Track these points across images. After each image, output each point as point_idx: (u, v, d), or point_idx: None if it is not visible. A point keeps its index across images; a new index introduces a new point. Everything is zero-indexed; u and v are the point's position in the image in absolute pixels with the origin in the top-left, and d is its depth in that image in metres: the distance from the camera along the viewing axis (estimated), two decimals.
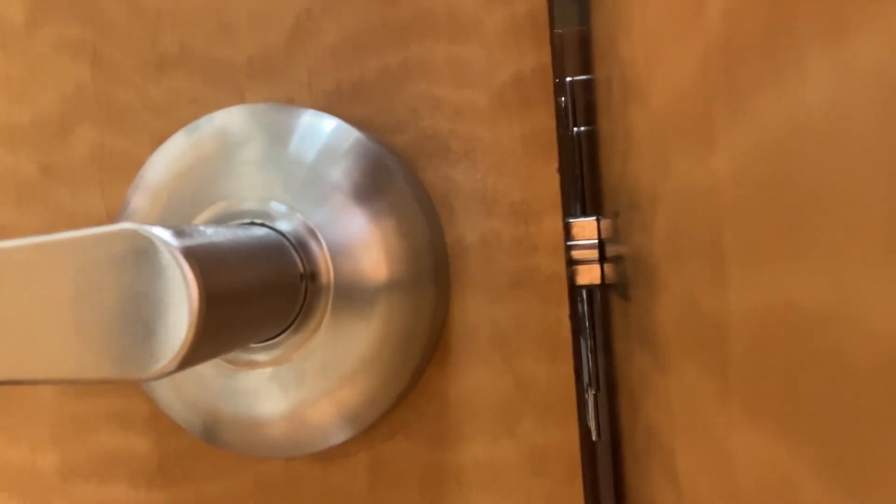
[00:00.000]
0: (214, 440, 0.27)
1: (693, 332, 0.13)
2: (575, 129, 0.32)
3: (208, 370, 0.25)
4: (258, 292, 0.21)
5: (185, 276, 0.17)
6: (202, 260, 0.18)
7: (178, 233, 0.18)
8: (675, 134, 0.14)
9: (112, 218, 0.28)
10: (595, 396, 0.32)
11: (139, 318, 0.18)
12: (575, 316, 0.26)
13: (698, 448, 0.14)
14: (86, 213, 0.29)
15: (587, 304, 0.33)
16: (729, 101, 0.10)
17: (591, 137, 0.29)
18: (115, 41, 0.28)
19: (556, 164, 0.25)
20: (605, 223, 0.25)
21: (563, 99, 0.33)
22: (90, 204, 0.29)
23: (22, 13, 0.29)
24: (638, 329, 0.20)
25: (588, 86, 0.30)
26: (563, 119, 0.30)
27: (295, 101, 0.27)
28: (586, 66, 0.32)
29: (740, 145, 0.10)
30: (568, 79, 0.33)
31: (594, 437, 0.32)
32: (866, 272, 0.06)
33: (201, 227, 0.21)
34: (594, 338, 0.32)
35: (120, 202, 0.28)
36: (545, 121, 0.25)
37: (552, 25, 0.25)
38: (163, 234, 0.18)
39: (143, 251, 0.17)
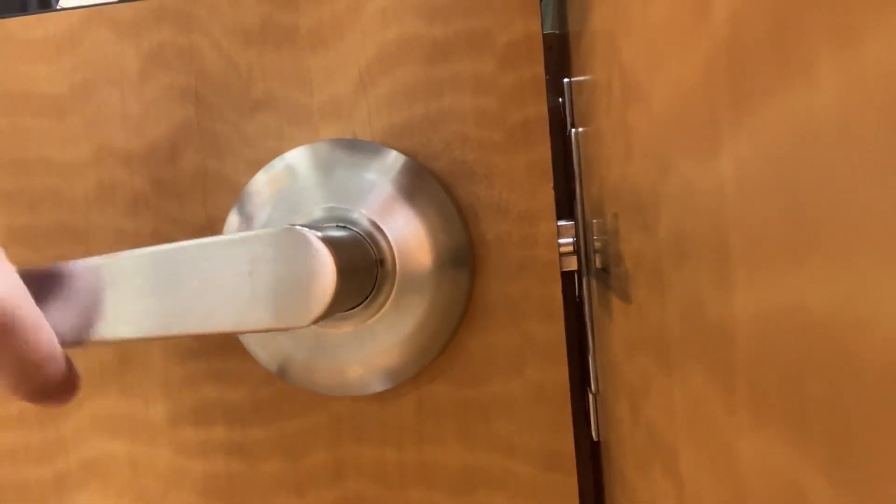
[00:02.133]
0: (303, 382, 0.36)
1: (698, 334, 0.13)
2: (573, 129, 0.34)
3: (304, 331, 0.35)
4: (356, 270, 0.31)
5: (327, 257, 0.27)
6: (332, 248, 0.28)
7: (317, 230, 0.28)
8: (679, 136, 0.14)
9: (213, 224, 0.37)
10: (594, 398, 0.33)
11: (296, 287, 0.27)
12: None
13: (703, 450, 0.14)
14: (191, 222, 0.38)
15: (587, 307, 0.34)
16: (734, 104, 0.10)
17: (588, 138, 0.30)
18: (214, 88, 0.37)
19: (551, 184, 0.35)
20: (599, 223, 0.28)
21: (561, 100, 0.37)
22: (194, 214, 0.38)
23: (136, 64, 0.38)
24: (639, 329, 0.20)
25: (588, 87, 0.29)
26: (561, 119, 0.34)
27: (358, 136, 0.37)
28: (586, 67, 0.30)
29: (746, 148, 0.10)
30: (566, 80, 0.36)
31: (595, 438, 0.34)
32: (873, 275, 0.07)
33: (324, 227, 0.30)
34: (594, 340, 0.33)
35: (218, 213, 0.37)
36: (543, 153, 0.35)
37: (550, 83, 0.36)
38: (308, 231, 0.27)
39: (299, 241, 0.27)
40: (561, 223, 0.36)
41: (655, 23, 0.15)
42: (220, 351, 0.38)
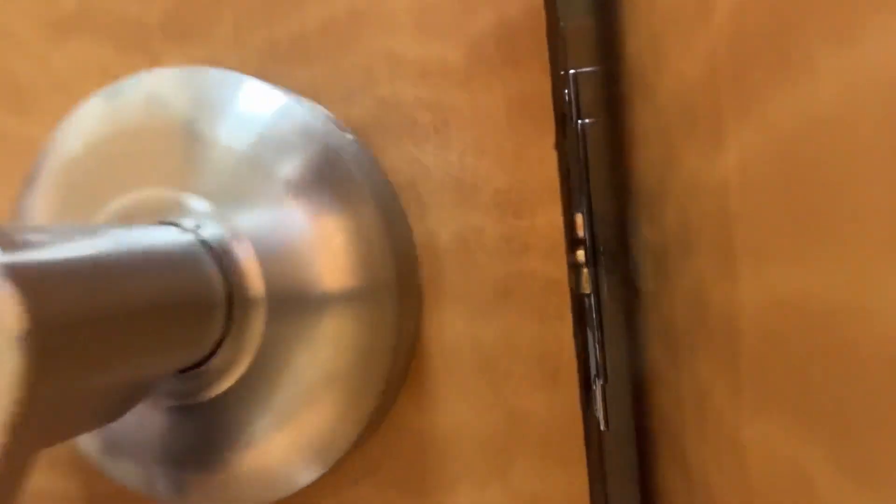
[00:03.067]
0: (159, 494, 0.22)
1: (704, 324, 0.13)
2: (579, 121, 0.28)
3: (139, 408, 0.20)
4: (143, 314, 0.16)
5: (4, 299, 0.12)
6: (38, 279, 0.13)
7: (7, 243, 0.13)
8: (684, 129, 0.14)
9: (9, 216, 0.23)
10: (602, 387, 0.29)
11: None
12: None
13: (710, 439, 0.14)
14: None
15: (593, 293, 0.29)
16: (738, 98, 0.10)
17: (596, 130, 0.27)
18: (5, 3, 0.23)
19: (552, 139, 0.19)
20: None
21: (567, 91, 0.28)
22: None
23: None
24: (648, 321, 0.19)
25: (593, 78, 0.27)
26: (567, 110, 0.25)
27: (221, 64, 0.21)
28: (591, 58, 0.29)
29: (750, 141, 0.10)
30: (572, 71, 0.30)
31: (602, 428, 0.29)
32: (876, 265, 0.07)
33: (50, 231, 0.15)
34: (601, 327, 0.29)
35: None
36: (537, 81, 0.19)
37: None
38: None
39: None
40: (579, 213, 0.20)
41: (660, 16, 0.15)
42: None
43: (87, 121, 0.21)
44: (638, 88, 0.18)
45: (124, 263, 0.16)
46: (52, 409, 0.14)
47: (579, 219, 0.21)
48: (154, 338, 0.17)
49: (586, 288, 0.21)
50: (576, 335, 0.20)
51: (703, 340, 0.13)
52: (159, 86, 0.21)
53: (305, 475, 0.21)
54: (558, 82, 0.21)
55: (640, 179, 0.18)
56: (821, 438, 0.08)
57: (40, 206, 0.21)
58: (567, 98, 0.28)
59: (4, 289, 0.13)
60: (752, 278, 0.10)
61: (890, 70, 0.06)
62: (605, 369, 0.29)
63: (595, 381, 0.30)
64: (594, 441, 0.29)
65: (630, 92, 0.19)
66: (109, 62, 0.22)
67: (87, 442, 0.22)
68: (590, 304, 0.29)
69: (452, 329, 0.20)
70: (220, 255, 0.19)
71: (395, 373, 0.21)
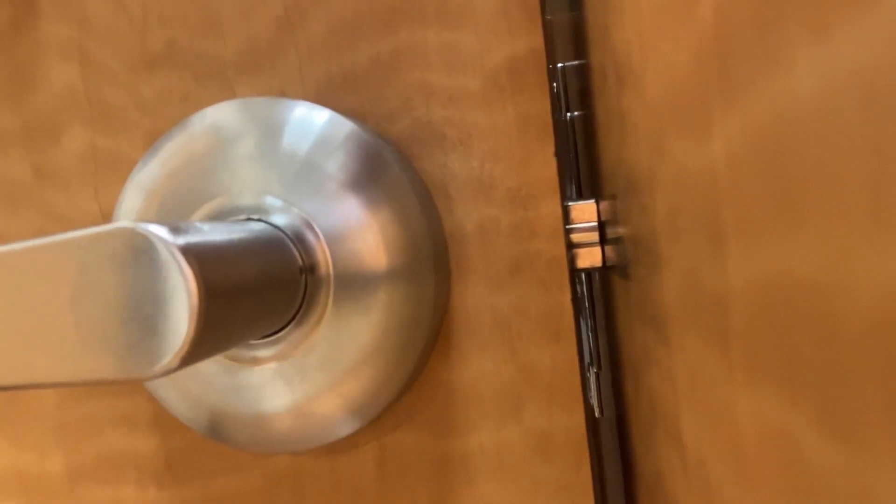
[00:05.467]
0: (221, 437, 0.26)
1: (695, 304, 0.14)
2: (568, 114, 0.31)
3: (212, 368, 0.25)
4: (258, 287, 0.21)
5: (183, 273, 0.17)
6: (200, 256, 0.18)
7: (175, 229, 0.18)
8: (672, 119, 0.14)
9: (107, 219, 0.28)
10: (597, 374, 0.32)
11: (140, 317, 0.18)
12: (575, 297, 0.26)
13: (703, 413, 0.14)
14: (80, 215, 0.29)
15: (586, 284, 0.32)
16: (723, 89, 0.11)
17: (586, 122, 0.29)
18: (101, 40, 0.28)
19: (552, 148, 0.25)
20: (604, 205, 0.25)
21: (555, 84, 0.32)
22: (84, 206, 0.29)
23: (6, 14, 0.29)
24: (639, 305, 0.20)
25: (580, 71, 0.30)
26: (556, 104, 0.29)
27: (286, 93, 0.27)
28: (578, 52, 0.31)
29: (735, 130, 0.10)
30: (560, 64, 0.33)
31: (597, 415, 0.32)
32: (853, 244, 0.07)
33: (198, 224, 0.20)
34: (594, 317, 0.32)
35: (114, 203, 0.28)
36: (540, 104, 0.25)
37: (543, 7, 0.25)
38: (160, 231, 0.17)
39: (141, 249, 0.17)
40: (572, 204, 0.25)
41: (646, 10, 0.15)
42: (124, 388, 0.29)
43: (180, 140, 0.26)
44: (626, 80, 0.19)
45: (243, 247, 0.21)
46: (201, 345, 0.19)
47: (573, 207, 0.26)
48: (261, 306, 0.22)
49: (580, 263, 0.26)
50: (573, 300, 0.25)
51: (695, 320, 0.14)
52: (237, 111, 0.26)
53: (351, 426, 0.26)
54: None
55: (630, 169, 0.19)
56: (807, 405, 0.09)
57: (140, 208, 0.26)
58: (556, 91, 0.32)
59: (185, 264, 0.17)
60: (740, 259, 0.11)
61: (862, 64, 0.07)
62: (598, 357, 0.33)
63: (589, 369, 0.33)
64: (591, 431, 0.32)
65: (618, 84, 0.20)
66: (190, 91, 0.28)
67: (171, 396, 0.27)
68: (582, 293, 0.32)
69: (474, 299, 0.26)
70: (296, 242, 0.24)
71: (431, 336, 0.26)
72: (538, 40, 0.25)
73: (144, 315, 0.18)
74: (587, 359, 0.32)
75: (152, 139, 0.28)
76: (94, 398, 0.29)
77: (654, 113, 0.15)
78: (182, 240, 0.18)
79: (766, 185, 0.09)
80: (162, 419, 0.28)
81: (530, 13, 0.25)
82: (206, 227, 0.20)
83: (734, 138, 0.10)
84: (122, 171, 0.28)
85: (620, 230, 0.22)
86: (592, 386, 0.31)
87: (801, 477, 0.09)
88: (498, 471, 0.26)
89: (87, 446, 0.29)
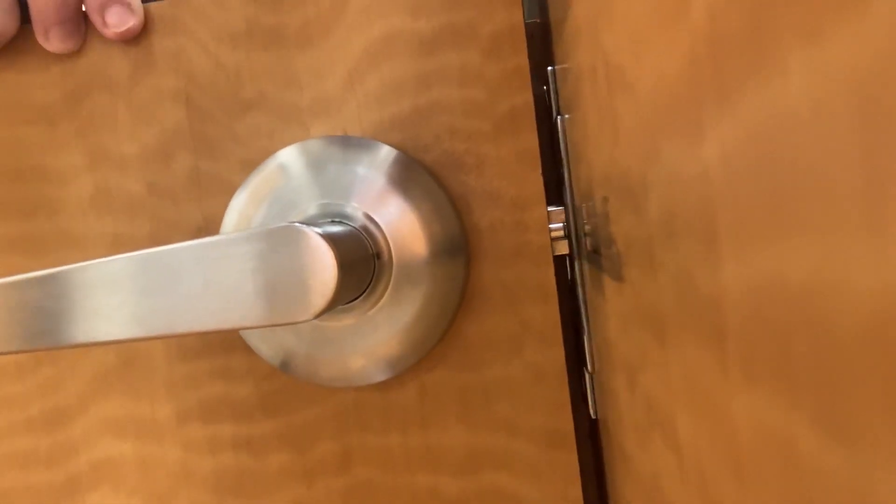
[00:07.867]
0: (308, 376, 0.37)
1: (690, 306, 0.14)
2: (558, 116, 0.35)
3: (306, 325, 0.36)
4: (354, 264, 0.32)
5: (327, 252, 0.28)
6: (332, 242, 0.29)
7: (315, 226, 0.29)
8: (665, 122, 0.14)
9: (209, 226, 0.38)
10: (591, 377, 0.34)
11: (296, 281, 0.28)
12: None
13: (699, 414, 0.14)
14: (186, 223, 0.38)
15: (580, 295, 0.35)
16: (717, 93, 0.11)
17: (574, 125, 0.30)
18: (203, 90, 0.38)
19: (539, 171, 0.36)
20: (588, 207, 0.29)
21: (545, 87, 0.37)
22: (189, 215, 0.38)
23: (125, 69, 0.38)
24: (633, 307, 0.20)
25: (567, 75, 0.29)
26: (546, 107, 0.36)
27: (348, 132, 0.37)
28: (560, 55, 0.31)
29: (729, 133, 0.10)
30: (550, 68, 0.37)
31: (592, 416, 0.35)
32: (846, 246, 0.07)
33: (321, 223, 0.31)
34: (588, 324, 0.34)
35: (213, 213, 0.38)
36: (531, 141, 0.36)
37: (534, 71, 0.36)
38: (308, 228, 0.28)
39: (299, 238, 0.28)
40: (551, 209, 0.37)
41: (637, 13, 0.15)
42: (222, 349, 0.39)
43: (273, 165, 0.36)
44: (618, 83, 0.19)
45: (343, 239, 0.32)
46: (334, 301, 0.29)
47: (552, 212, 0.38)
48: (354, 279, 0.32)
49: (557, 251, 0.38)
50: (556, 274, 0.37)
51: (691, 323, 0.14)
52: (314, 145, 0.37)
53: (402, 366, 0.37)
54: (544, 129, 0.37)
55: (622, 172, 0.19)
56: (804, 405, 0.09)
57: (249, 212, 0.36)
58: (546, 93, 0.35)
59: (328, 247, 0.28)
60: (734, 262, 0.11)
61: (855, 67, 0.07)
62: (592, 361, 0.33)
63: (584, 372, 0.35)
64: (584, 429, 0.36)
65: (610, 86, 0.20)
66: (275, 129, 0.38)
67: (268, 347, 0.37)
68: (576, 303, 0.39)
69: (488, 275, 0.37)
70: (367, 236, 0.35)
71: (458, 302, 0.37)
72: (529, 96, 0.36)
73: (300, 279, 0.28)
74: (586, 365, 0.34)
75: (245, 165, 0.38)
76: (196, 357, 0.39)
77: (647, 116, 0.16)
78: (322, 231, 0.28)
79: (759, 188, 0.09)
80: (253, 369, 0.39)
81: (522, 78, 0.36)
82: (325, 226, 0.31)
83: (727, 141, 0.10)
84: (220, 188, 0.38)
85: (613, 230, 0.23)
86: (588, 388, 0.34)
87: (797, 478, 0.09)
88: (507, 394, 0.37)
89: (191, 394, 0.39)
